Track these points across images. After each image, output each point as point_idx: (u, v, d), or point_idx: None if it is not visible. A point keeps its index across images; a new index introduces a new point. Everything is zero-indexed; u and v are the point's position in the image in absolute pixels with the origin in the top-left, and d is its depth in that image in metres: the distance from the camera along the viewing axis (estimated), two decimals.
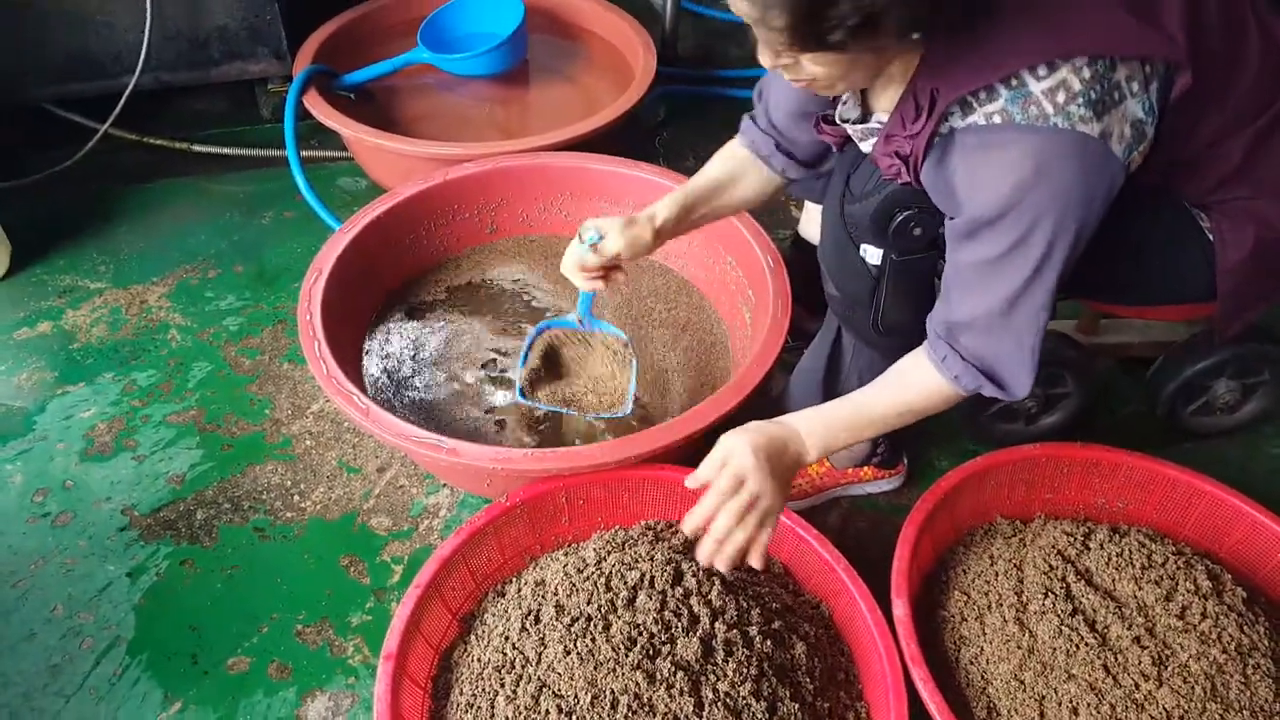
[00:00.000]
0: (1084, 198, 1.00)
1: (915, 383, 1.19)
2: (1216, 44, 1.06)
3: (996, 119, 1.00)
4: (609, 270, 1.41)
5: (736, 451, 1.15)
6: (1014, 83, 0.99)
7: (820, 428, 1.19)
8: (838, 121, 1.20)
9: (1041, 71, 0.98)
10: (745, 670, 1.16)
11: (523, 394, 1.53)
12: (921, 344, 1.45)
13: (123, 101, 2.15)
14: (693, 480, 1.17)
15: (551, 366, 1.58)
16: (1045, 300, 1.07)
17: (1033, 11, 0.99)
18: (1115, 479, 1.45)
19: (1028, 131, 0.99)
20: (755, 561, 1.17)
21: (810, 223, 1.73)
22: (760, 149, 1.38)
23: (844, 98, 1.19)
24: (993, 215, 1.03)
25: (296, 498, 1.61)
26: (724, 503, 1.14)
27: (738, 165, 1.42)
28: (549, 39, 2.53)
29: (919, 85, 1.05)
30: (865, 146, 1.20)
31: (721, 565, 1.16)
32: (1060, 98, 0.97)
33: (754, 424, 1.19)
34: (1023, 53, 0.98)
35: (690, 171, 1.85)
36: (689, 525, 1.16)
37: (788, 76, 1.05)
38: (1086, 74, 0.97)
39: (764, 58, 1.03)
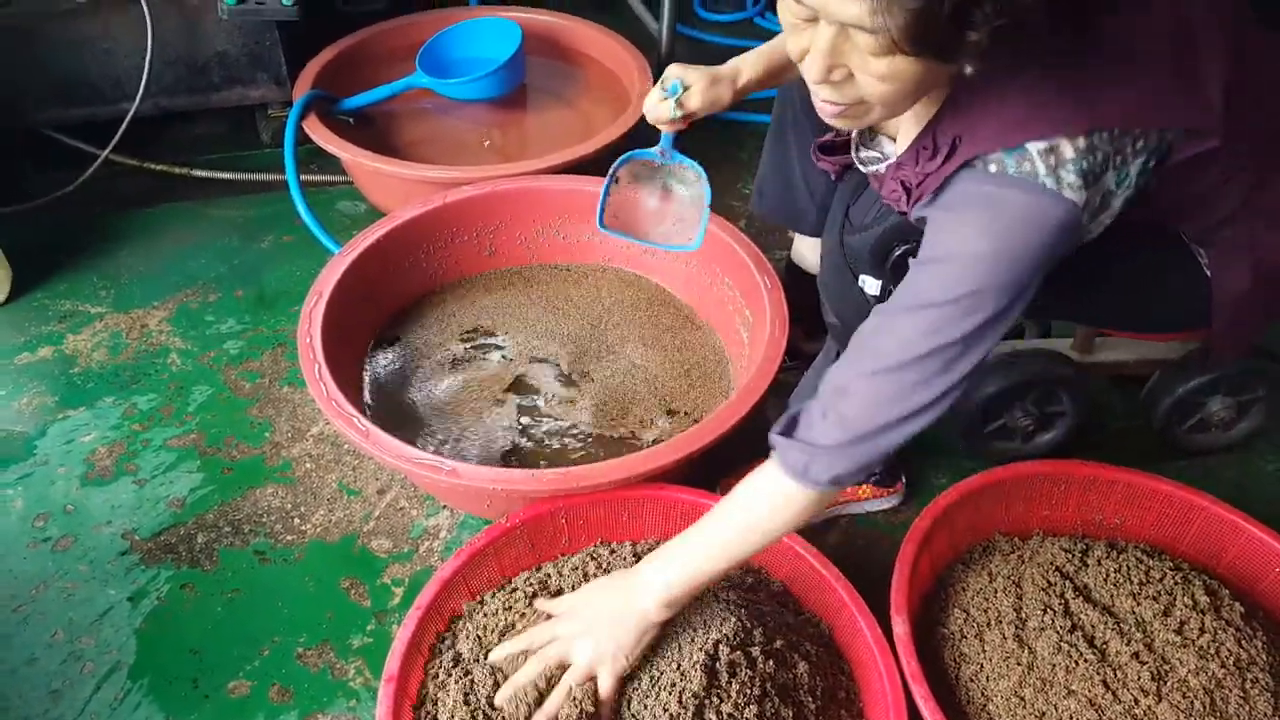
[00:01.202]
0: (1047, 261, 0.98)
1: (751, 492, 1.13)
2: (1244, 105, 1.04)
3: (992, 168, 0.99)
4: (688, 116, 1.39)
5: (564, 606, 1.23)
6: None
7: (655, 577, 1.15)
8: (848, 138, 1.21)
9: (1064, 135, 0.97)
10: (749, 691, 1.16)
11: (603, 223, 1.52)
12: None
13: (123, 127, 2.17)
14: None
15: (630, 198, 1.56)
16: (954, 372, 1.00)
17: (1066, 78, 0.96)
18: (1113, 495, 1.46)
19: (1016, 184, 0.97)
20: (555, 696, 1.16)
21: (803, 248, 1.75)
22: None
23: None
24: (961, 258, 0.99)
25: (297, 520, 1.61)
26: (522, 647, 1.22)
27: None
28: (546, 63, 2.55)
29: (941, 127, 1.03)
30: (867, 171, 1.21)
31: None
32: (1052, 160, 0.96)
33: (610, 578, 1.23)
34: (1051, 123, 0.96)
35: None
36: (494, 655, 1.24)
37: (825, 95, 0.98)
38: (1081, 143, 0.96)
39: (816, 64, 0.93)
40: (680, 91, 1.36)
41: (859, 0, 0.83)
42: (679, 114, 1.36)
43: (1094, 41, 0.98)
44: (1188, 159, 1.04)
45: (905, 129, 1.12)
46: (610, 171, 1.53)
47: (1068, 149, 0.96)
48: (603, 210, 1.53)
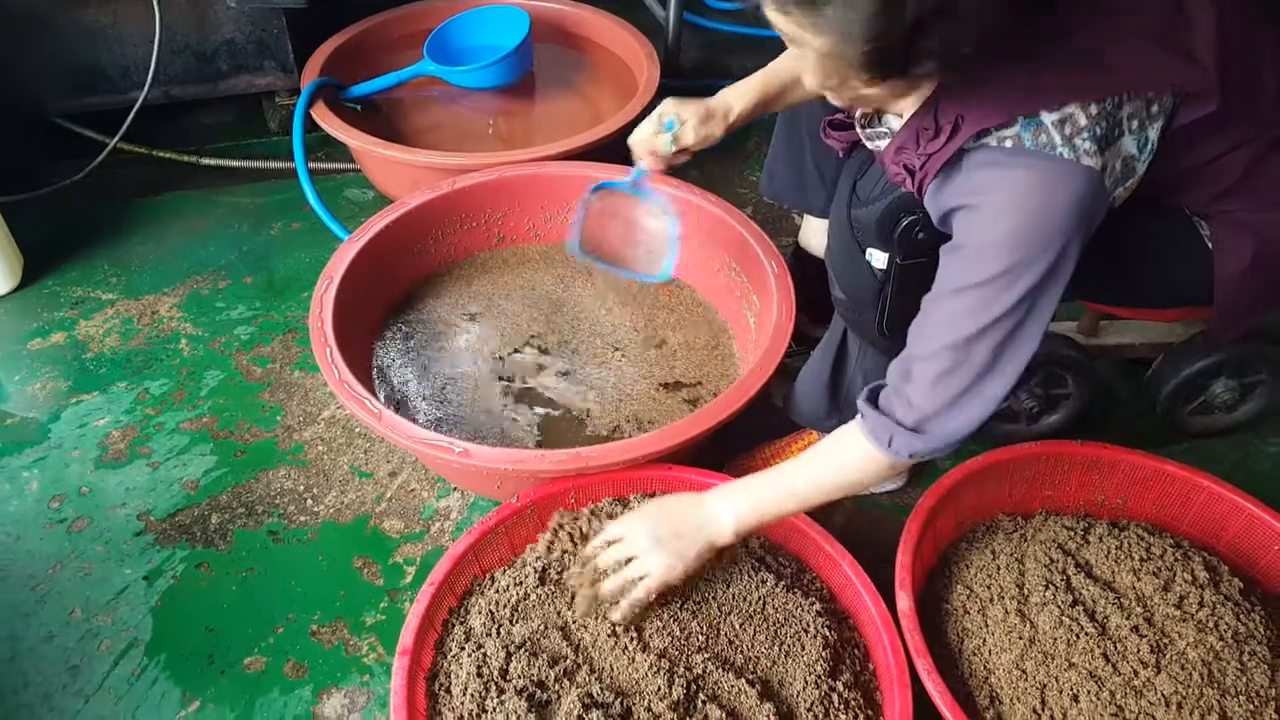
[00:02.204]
0: (1078, 229, 1.01)
1: (835, 450, 1.19)
2: (1237, 72, 1.07)
3: (1009, 143, 1.02)
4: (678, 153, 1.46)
5: (628, 514, 1.26)
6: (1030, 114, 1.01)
7: (734, 502, 1.22)
8: (855, 120, 1.23)
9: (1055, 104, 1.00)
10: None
11: (578, 249, 1.58)
12: None
13: (132, 115, 2.19)
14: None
15: (603, 226, 1.62)
16: (1019, 345, 1.04)
17: (1063, 49, 1.00)
18: (1115, 476, 1.48)
19: (1035, 157, 1.00)
20: (614, 615, 1.24)
21: (810, 233, 1.77)
22: None
23: None
24: (990, 236, 1.03)
25: (309, 502, 1.64)
26: (593, 554, 1.25)
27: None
28: (554, 50, 2.57)
29: (941, 107, 1.06)
30: (872, 145, 1.23)
31: (578, 610, 1.26)
32: (1068, 130, 1.00)
33: (677, 494, 1.28)
34: (1053, 95, 0.99)
35: (695, 181, 1.90)
36: (568, 575, 1.29)
37: (833, 97, 1.07)
38: (1093, 110, 1.00)
39: (808, 80, 1.04)
40: (676, 127, 1.41)
41: (822, 36, 0.91)
42: (674, 149, 1.42)
43: (1084, 14, 1.02)
44: (1188, 125, 1.07)
45: (904, 104, 1.14)
46: (583, 200, 1.58)
47: (1081, 117, 0.99)
48: (579, 236, 1.58)
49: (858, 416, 1.17)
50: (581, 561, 1.28)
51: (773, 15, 0.95)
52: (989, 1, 0.89)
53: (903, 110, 1.13)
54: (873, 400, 1.16)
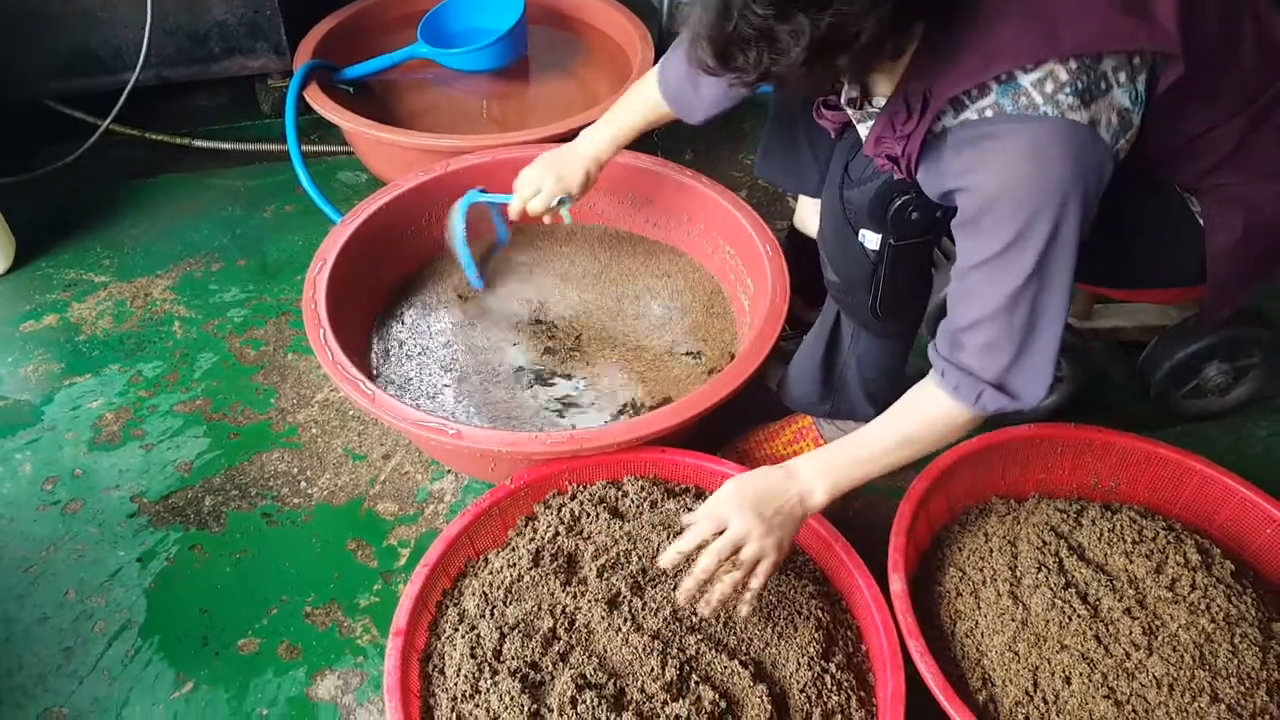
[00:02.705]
0: (1077, 184, 1.02)
1: (918, 408, 1.18)
2: (1211, 39, 1.08)
3: (989, 113, 1.02)
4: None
5: (724, 495, 1.18)
6: (1004, 78, 1.01)
7: (822, 466, 1.20)
8: (842, 103, 1.23)
9: (1029, 65, 1.00)
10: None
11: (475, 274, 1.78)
12: (917, 331, 1.48)
13: (124, 97, 2.17)
14: (686, 519, 1.20)
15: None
16: (1050, 299, 1.06)
17: (1023, 11, 1.00)
18: (1108, 459, 1.48)
19: (1018, 120, 1.01)
20: (743, 609, 1.20)
21: (805, 214, 1.76)
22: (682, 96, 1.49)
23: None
24: (992, 208, 1.04)
25: (303, 484, 1.64)
26: (697, 542, 1.17)
27: (654, 102, 1.54)
28: (548, 32, 2.56)
29: (909, 87, 1.06)
30: (863, 130, 1.23)
31: (704, 609, 1.19)
32: (1049, 88, 1.00)
33: (758, 469, 1.21)
34: (1015, 54, 0.99)
35: (690, 164, 1.90)
36: (665, 559, 1.19)
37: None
38: (1073, 65, 0.99)
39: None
40: (570, 202, 1.62)
41: (707, 52, 0.97)
42: (539, 207, 1.62)
43: None
44: (1175, 95, 1.06)
45: (885, 83, 1.13)
46: (460, 213, 1.73)
47: (1061, 72, 0.99)
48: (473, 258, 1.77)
49: (934, 373, 1.17)
50: (685, 558, 1.19)
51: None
52: None
53: (881, 87, 1.13)
54: (950, 355, 1.16)
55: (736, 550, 1.16)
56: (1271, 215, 1.21)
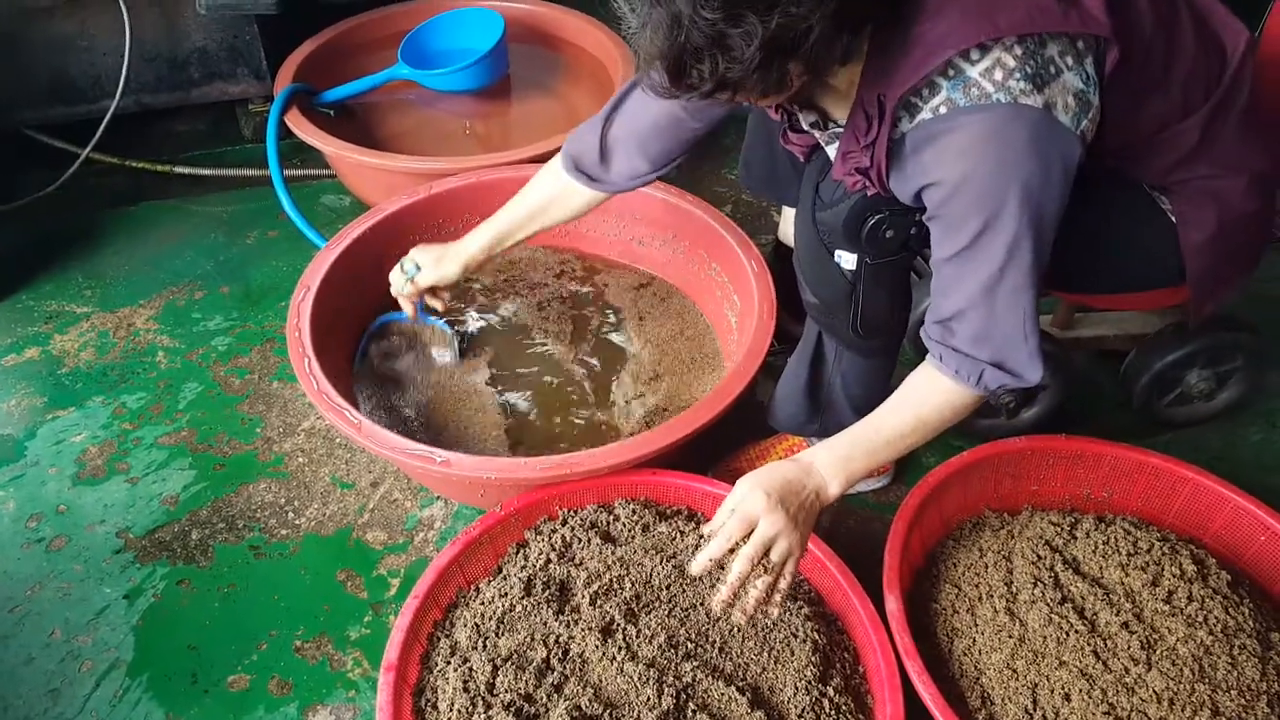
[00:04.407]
0: (1040, 168, 1.02)
1: (922, 392, 1.19)
2: (1147, 27, 1.09)
3: (942, 109, 1.02)
4: (428, 292, 1.62)
5: (746, 494, 1.15)
6: (951, 72, 1.01)
7: (836, 457, 1.19)
8: (805, 129, 1.22)
9: (975, 55, 1.00)
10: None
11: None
12: (900, 345, 1.48)
13: (104, 125, 2.16)
14: (707, 526, 1.18)
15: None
16: (1025, 280, 1.07)
17: (959, 5, 1.00)
18: (1100, 470, 1.48)
19: (973, 111, 1.01)
20: (773, 611, 1.18)
21: (789, 226, 1.76)
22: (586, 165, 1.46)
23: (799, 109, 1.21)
24: (956, 201, 1.05)
25: (291, 515, 1.62)
26: (729, 545, 1.14)
27: (558, 191, 1.51)
28: (529, 52, 2.55)
29: (864, 96, 1.07)
30: (831, 151, 1.22)
31: (739, 615, 1.16)
32: (998, 75, 0.99)
33: (770, 464, 1.19)
34: (954, 40, 0.99)
35: (674, 181, 1.89)
36: (696, 565, 1.16)
37: (767, 102, 1.08)
38: (1018, 51, 0.99)
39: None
40: (414, 273, 1.58)
41: (660, 70, 0.97)
42: (413, 289, 1.60)
43: None
44: (1116, 84, 1.07)
45: (840, 108, 1.13)
46: (366, 333, 1.74)
47: (1008, 58, 1.00)
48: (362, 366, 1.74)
49: (932, 359, 1.17)
50: (716, 564, 1.16)
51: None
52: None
53: (837, 112, 1.14)
54: (942, 339, 1.16)
55: (766, 551, 1.15)
56: (1241, 208, 1.23)
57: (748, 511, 1.14)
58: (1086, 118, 1.05)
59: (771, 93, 1.01)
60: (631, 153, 1.42)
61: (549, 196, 1.52)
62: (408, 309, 1.66)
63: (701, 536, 1.20)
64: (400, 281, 1.60)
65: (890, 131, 1.07)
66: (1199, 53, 1.14)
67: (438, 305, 1.66)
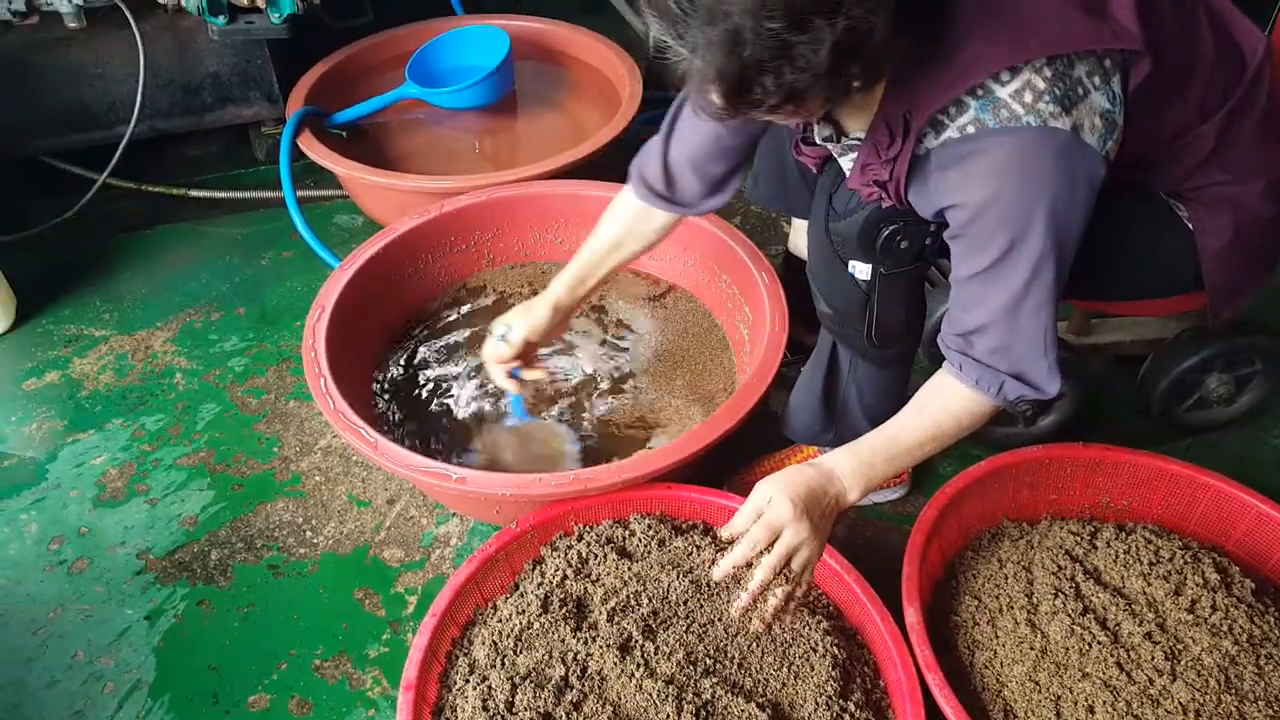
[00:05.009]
0: (1066, 189, 1.02)
1: (941, 400, 1.19)
2: (1171, 35, 1.08)
3: (970, 129, 1.02)
4: (527, 361, 1.54)
5: (772, 500, 1.14)
6: (980, 92, 1.01)
7: (856, 464, 1.19)
8: (818, 142, 1.22)
9: (1005, 77, 1.00)
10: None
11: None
12: (915, 354, 1.47)
13: (120, 151, 2.18)
14: (727, 530, 1.17)
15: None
16: (1046, 297, 1.07)
17: (986, 22, 1.00)
18: (1119, 477, 1.47)
19: (1002, 134, 1.01)
20: (787, 617, 1.19)
21: (800, 238, 1.75)
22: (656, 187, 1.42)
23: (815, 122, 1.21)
24: (982, 221, 1.05)
25: (309, 534, 1.62)
26: (754, 553, 1.14)
27: (632, 218, 1.47)
28: (535, 68, 2.56)
29: (889, 111, 1.06)
30: (845, 163, 1.22)
31: (757, 623, 1.17)
32: (1028, 98, 0.99)
33: (790, 469, 1.19)
34: (985, 63, 0.99)
35: None
36: (719, 571, 1.16)
37: (786, 118, 1.05)
38: (1048, 73, 0.99)
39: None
40: (505, 333, 1.49)
41: (705, 106, 0.97)
42: (509, 351, 1.49)
43: None
44: (1140, 95, 1.06)
45: (858, 119, 1.13)
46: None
47: (1038, 81, 0.99)
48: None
49: (950, 367, 1.17)
50: (736, 570, 1.16)
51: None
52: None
53: (853, 124, 1.13)
54: (963, 349, 1.16)
55: (789, 559, 1.14)
56: (1258, 213, 1.22)
57: (773, 520, 1.13)
58: (1112, 139, 1.05)
59: (832, 100, 0.98)
60: (692, 178, 1.39)
61: (625, 226, 1.47)
62: (499, 379, 1.54)
63: (721, 541, 1.20)
64: (493, 347, 1.51)
65: (915, 148, 1.06)
66: (1216, 59, 1.14)
67: (537, 375, 1.57)
